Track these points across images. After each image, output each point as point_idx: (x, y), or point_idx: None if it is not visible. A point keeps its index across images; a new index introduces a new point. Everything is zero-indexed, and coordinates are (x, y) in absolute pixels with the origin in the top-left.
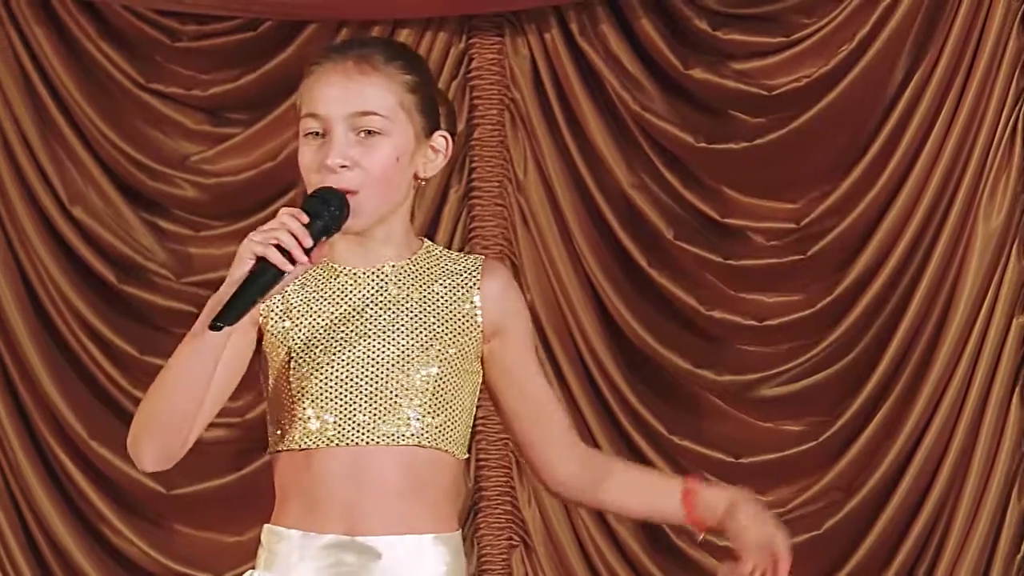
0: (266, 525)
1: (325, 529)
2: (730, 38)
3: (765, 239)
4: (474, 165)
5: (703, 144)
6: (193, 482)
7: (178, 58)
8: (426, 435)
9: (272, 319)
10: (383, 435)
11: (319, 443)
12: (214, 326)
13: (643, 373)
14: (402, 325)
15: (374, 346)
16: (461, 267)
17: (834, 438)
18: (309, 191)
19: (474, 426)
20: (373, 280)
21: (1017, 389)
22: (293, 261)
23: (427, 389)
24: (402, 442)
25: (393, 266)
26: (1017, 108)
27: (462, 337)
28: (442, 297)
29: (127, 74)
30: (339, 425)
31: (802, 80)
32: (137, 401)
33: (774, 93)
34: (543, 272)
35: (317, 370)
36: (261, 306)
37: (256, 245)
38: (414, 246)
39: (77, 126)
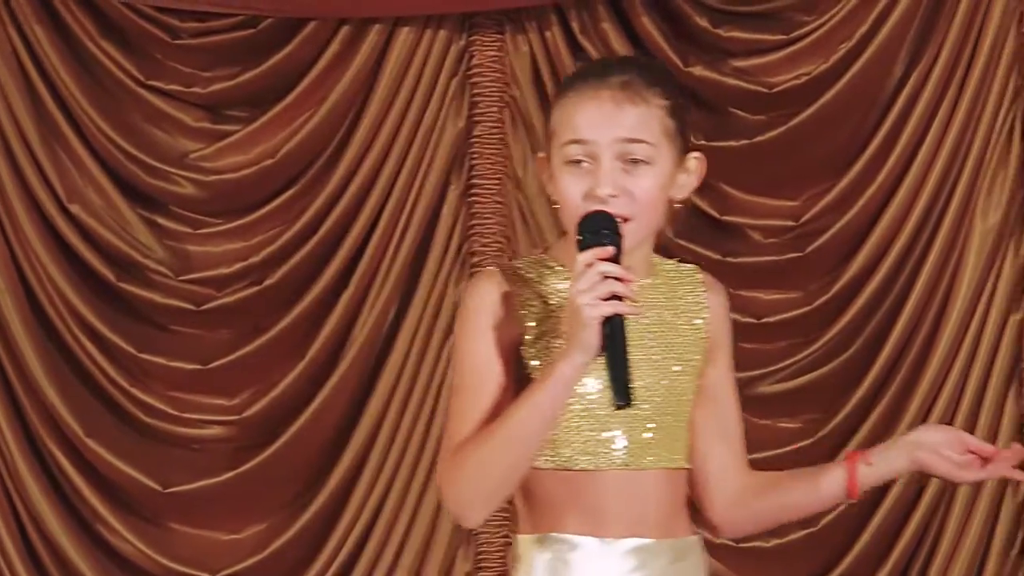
0: (533, 536)
1: (619, 536)
2: (730, 36)
3: (764, 236)
4: (474, 163)
5: (703, 141)
6: (189, 480)
7: (178, 55)
8: (683, 456)
9: (534, 343)
10: (661, 458)
11: (605, 465)
12: (620, 407)
13: None
14: (657, 350)
15: (644, 373)
16: (685, 280)
17: (831, 435)
18: (568, 219)
19: None
20: None
21: (1013, 386)
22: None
23: (685, 413)
24: (672, 465)
25: (640, 286)
26: (1014, 106)
27: (696, 356)
28: (678, 317)
29: (127, 71)
30: (625, 450)
31: (802, 78)
32: (135, 399)
33: (774, 91)
34: None
35: (593, 394)
36: (522, 329)
37: (599, 307)
38: (649, 262)
39: (76, 123)
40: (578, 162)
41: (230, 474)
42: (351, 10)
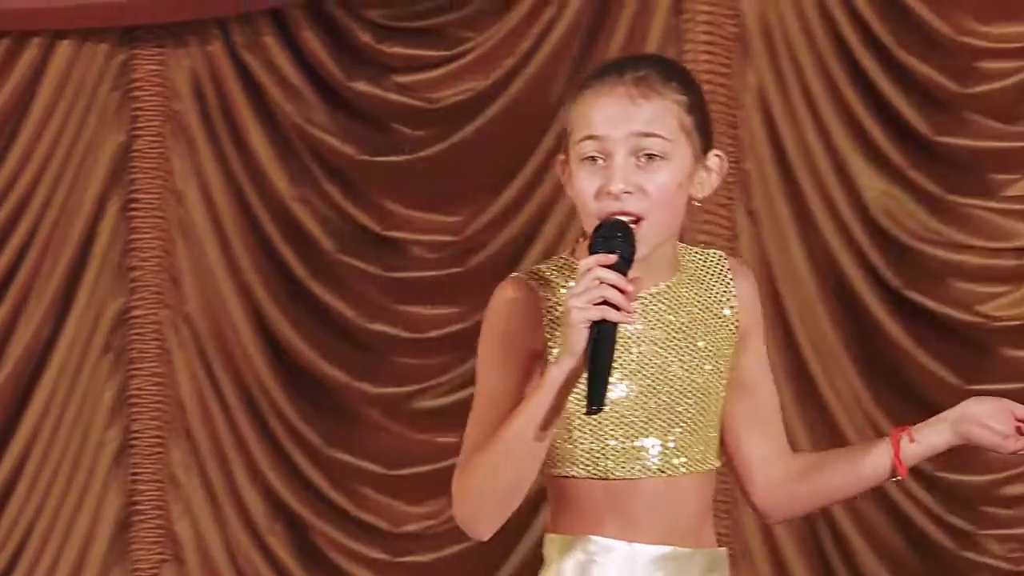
0: (566, 537)
1: (653, 542)
2: (393, 51)
3: (425, 251)
4: (134, 176)
5: (365, 157)
6: None
7: None
8: (714, 456)
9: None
10: (694, 462)
11: (640, 473)
12: (592, 411)
13: (301, 386)
14: (689, 350)
15: (676, 376)
16: (710, 270)
17: None
18: (585, 216)
19: (129, 441)
20: (653, 306)
21: None
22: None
23: (716, 411)
24: (702, 468)
25: (668, 285)
26: None
27: (727, 350)
28: (707, 312)
29: None
30: (659, 457)
31: (465, 93)
32: None
33: (436, 106)
34: (202, 285)
35: (626, 402)
36: (546, 337)
37: (588, 311)
38: (675, 259)
39: None
40: (593, 159)
41: None
42: (8, 24)
